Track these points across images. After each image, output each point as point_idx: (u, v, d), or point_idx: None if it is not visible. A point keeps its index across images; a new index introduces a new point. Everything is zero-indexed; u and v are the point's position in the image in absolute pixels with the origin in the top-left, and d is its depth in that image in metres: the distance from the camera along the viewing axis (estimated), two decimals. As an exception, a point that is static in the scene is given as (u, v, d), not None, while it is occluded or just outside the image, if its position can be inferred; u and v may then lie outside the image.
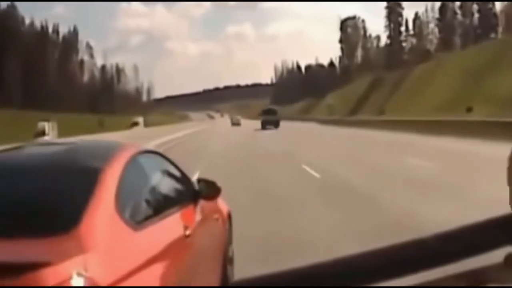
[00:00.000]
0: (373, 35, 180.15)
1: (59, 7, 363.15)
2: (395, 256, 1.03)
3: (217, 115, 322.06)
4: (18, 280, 2.74)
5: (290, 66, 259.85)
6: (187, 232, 4.36)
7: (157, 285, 3.43)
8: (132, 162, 4.23)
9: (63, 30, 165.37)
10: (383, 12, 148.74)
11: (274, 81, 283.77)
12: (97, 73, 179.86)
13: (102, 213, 3.44)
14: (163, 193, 4.65)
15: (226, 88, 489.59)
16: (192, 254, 4.42)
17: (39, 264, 2.81)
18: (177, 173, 5.18)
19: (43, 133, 61.73)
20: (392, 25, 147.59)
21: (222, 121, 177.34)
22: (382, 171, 19.17)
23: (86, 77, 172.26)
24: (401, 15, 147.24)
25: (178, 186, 5.06)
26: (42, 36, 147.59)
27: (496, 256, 1.05)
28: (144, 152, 4.79)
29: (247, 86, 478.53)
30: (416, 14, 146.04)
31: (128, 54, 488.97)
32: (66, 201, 3.58)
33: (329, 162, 23.02)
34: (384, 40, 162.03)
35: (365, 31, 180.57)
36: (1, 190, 3.80)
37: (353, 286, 1.02)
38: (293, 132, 57.41)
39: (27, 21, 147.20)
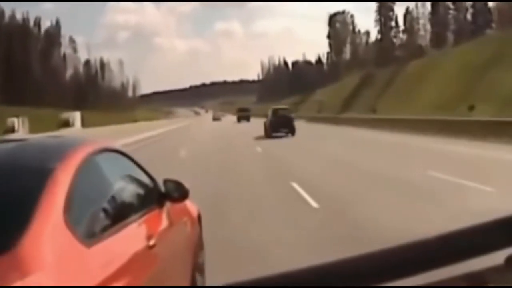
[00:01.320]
0: (362, 31, 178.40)
1: (47, 3, 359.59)
2: (394, 257, 1.03)
3: (202, 111, 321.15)
4: None
5: (277, 62, 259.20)
6: (151, 242, 3.85)
7: None
8: (88, 162, 3.63)
9: (47, 24, 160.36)
10: (373, 9, 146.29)
11: (261, 77, 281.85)
12: (81, 68, 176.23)
13: (49, 227, 2.86)
14: (123, 198, 4.07)
15: (213, 84, 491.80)
16: (157, 267, 3.92)
17: None
18: (141, 174, 4.63)
19: (12, 130, 59.05)
20: (382, 19, 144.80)
21: (206, 117, 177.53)
22: (412, 196, 12.98)
23: (69, 72, 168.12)
24: (392, 9, 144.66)
25: (141, 189, 4.53)
26: (23, 30, 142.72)
27: (496, 257, 1.05)
28: (103, 150, 4.10)
29: (234, 82, 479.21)
30: (407, 9, 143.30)
31: (116, 50, 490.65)
32: (6, 212, 2.91)
33: (329, 178, 17.16)
34: (373, 36, 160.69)
35: (354, 27, 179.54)
36: None
37: (351, 287, 1.03)
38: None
39: (7, 14, 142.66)
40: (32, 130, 59.86)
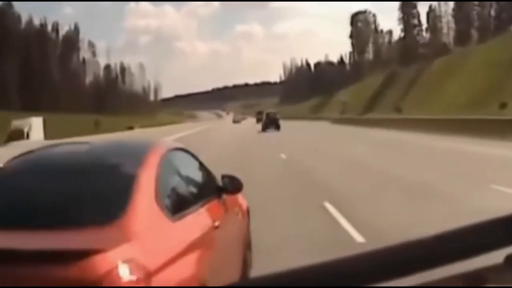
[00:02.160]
0: (384, 30, 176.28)
1: (67, 7, 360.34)
2: (393, 256, 1.04)
3: (224, 114, 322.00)
4: (70, 266, 3.12)
5: (299, 64, 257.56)
6: (216, 224, 4.72)
7: (192, 271, 3.80)
8: (166, 158, 4.58)
9: (66, 29, 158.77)
10: (394, 8, 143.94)
11: (283, 79, 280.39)
12: (101, 73, 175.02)
13: (144, 205, 3.85)
14: (193, 187, 5.04)
15: (235, 86, 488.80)
16: (220, 243, 4.68)
17: (89, 252, 3.18)
18: (203, 169, 5.49)
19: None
20: (405, 18, 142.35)
21: (228, 119, 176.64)
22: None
23: (89, 77, 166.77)
24: (415, 7, 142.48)
25: (205, 181, 5.39)
26: (40, 35, 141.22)
27: (496, 256, 1.04)
28: (175, 149, 5.11)
29: (256, 84, 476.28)
30: (430, 7, 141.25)
31: (137, 54, 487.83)
32: (111, 195, 3.96)
33: (373, 199, 12.69)
34: (396, 35, 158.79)
35: (376, 26, 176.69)
36: (50, 185, 4.15)
37: (352, 287, 1.04)
38: (306, 137, 47.24)
39: (24, 20, 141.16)
40: (49, 135, 51.60)
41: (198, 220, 4.47)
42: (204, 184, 5.32)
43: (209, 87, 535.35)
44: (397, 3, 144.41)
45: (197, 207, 4.58)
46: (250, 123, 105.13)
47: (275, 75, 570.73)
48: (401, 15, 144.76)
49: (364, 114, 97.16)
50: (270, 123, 63.86)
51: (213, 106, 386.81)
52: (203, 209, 4.73)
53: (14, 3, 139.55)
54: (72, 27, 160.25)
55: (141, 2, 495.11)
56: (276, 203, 12.41)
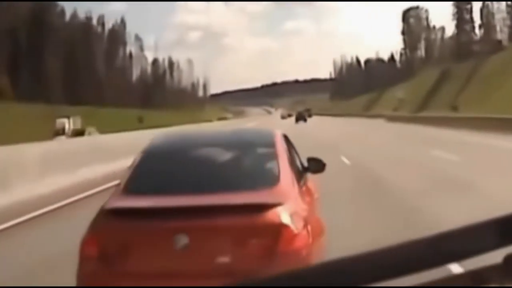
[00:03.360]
0: (437, 27, 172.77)
1: (116, 4, 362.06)
2: (392, 256, 1.05)
3: (272, 110, 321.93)
4: (256, 215, 4.47)
5: (349, 61, 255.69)
6: (316, 195, 6.27)
7: (318, 223, 5.29)
8: (284, 142, 5.92)
9: (112, 23, 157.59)
10: (446, 5, 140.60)
11: (332, 76, 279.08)
12: (148, 67, 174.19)
13: (287, 175, 5.12)
14: (299, 164, 6.31)
15: (284, 83, 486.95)
16: (318, 208, 5.96)
17: (270, 205, 4.54)
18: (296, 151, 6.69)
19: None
20: (460, 14, 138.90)
21: (277, 116, 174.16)
22: None
23: (136, 71, 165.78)
24: (469, 3, 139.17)
25: (300, 161, 6.54)
26: (85, 28, 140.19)
27: (495, 256, 1.05)
28: (284, 135, 6.29)
29: (305, 81, 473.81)
30: (484, 3, 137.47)
31: (186, 50, 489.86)
32: (265, 167, 5.28)
33: None
34: (448, 32, 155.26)
35: (428, 22, 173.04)
36: (213, 159, 5.34)
37: (352, 286, 1.04)
38: (364, 135, 42.71)
39: (69, 14, 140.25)
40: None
41: (308, 189, 5.91)
42: (300, 163, 6.43)
43: (258, 84, 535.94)
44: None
45: (304, 180, 5.97)
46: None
47: (325, 72, 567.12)
48: (455, 11, 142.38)
49: (418, 112, 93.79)
50: (300, 118, 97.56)
51: (262, 103, 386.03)
52: (307, 181, 6.10)
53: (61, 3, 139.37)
54: (119, 21, 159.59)
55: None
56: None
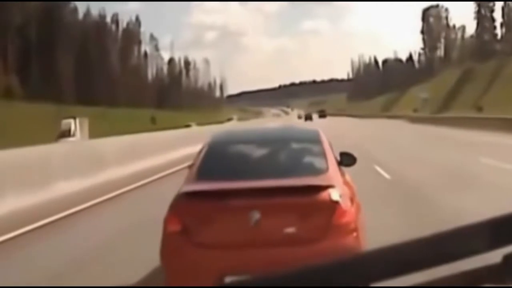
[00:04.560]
0: (457, 26, 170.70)
1: (133, 3, 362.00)
2: (391, 256, 1.06)
3: (289, 110, 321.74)
4: (314, 195, 5.36)
5: (367, 61, 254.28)
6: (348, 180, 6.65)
7: (359, 206, 5.90)
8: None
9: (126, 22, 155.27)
10: (466, 3, 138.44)
11: (350, 76, 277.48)
12: (164, 67, 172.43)
13: (333, 165, 6.11)
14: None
15: (302, 83, 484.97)
16: (354, 191, 6.31)
17: (328, 186, 5.44)
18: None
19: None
20: (481, 12, 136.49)
21: (294, 116, 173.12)
22: None
23: (151, 71, 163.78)
24: (491, 2, 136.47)
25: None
26: (99, 26, 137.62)
27: (493, 256, 1.05)
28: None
29: (323, 81, 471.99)
30: (505, 1, 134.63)
31: (202, 50, 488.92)
32: (316, 158, 6.13)
33: None
34: (469, 31, 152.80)
35: (447, 21, 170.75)
36: (273, 150, 6.32)
37: (352, 286, 1.05)
38: (393, 140, 38.74)
39: (81, 12, 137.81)
40: (97, 132, 50.07)
41: (347, 178, 6.38)
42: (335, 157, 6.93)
43: (275, 84, 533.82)
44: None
45: (341, 171, 6.44)
46: (314, 118, 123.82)
47: (342, 72, 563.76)
48: (476, 9, 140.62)
49: (440, 113, 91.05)
50: (308, 118, 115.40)
51: (280, 103, 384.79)
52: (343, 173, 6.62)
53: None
54: (134, 19, 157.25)
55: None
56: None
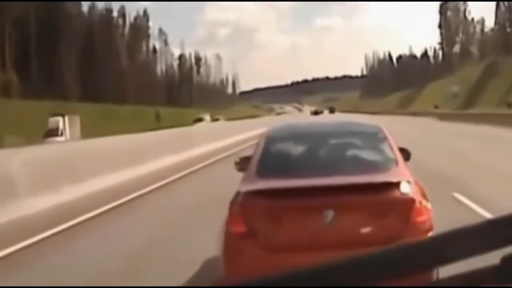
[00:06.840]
0: (476, 19, 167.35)
1: (144, 2, 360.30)
2: (391, 257, 1.07)
3: (301, 107, 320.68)
4: (387, 191, 5.13)
5: (381, 57, 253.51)
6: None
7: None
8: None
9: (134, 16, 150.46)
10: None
11: (364, 73, 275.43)
12: (174, 63, 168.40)
13: (402, 160, 5.78)
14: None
15: (315, 80, 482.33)
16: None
17: (398, 183, 5.17)
18: None
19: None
20: (505, 4, 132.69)
21: (307, 112, 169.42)
22: None
23: (160, 66, 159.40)
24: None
25: None
26: (105, 21, 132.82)
27: (492, 257, 1.05)
28: None
29: (336, 78, 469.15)
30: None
31: (215, 47, 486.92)
32: (384, 152, 5.84)
33: None
34: (488, 24, 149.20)
35: (465, 15, 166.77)
36: (339, 146, 6.09)
37: (352, 286, 1.06)
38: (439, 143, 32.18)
39: (86, 5, 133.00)
40: (102, 130, 44.70)
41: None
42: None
43: (288, 81, 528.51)
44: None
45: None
46: (325, 114, 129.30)
47: (356, 69, 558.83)
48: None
49: (465, 109, 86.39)
50: (315, 113, 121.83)
51: (293, 100, 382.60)
52: None
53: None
54: (142, 13, 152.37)
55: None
56: None
